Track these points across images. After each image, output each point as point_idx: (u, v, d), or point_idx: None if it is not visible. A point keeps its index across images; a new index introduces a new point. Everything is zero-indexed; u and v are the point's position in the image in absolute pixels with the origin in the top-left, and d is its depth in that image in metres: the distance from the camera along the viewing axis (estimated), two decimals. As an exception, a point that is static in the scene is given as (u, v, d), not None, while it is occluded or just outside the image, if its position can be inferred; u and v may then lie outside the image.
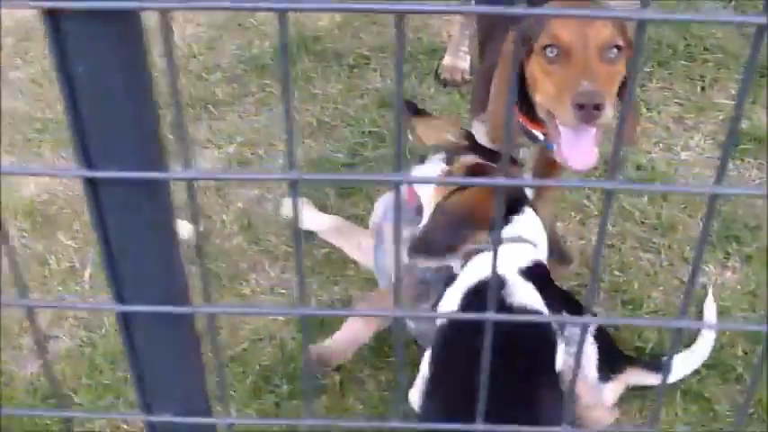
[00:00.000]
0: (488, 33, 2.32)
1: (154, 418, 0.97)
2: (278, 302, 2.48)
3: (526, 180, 2.27)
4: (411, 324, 2.26)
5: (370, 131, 2.92)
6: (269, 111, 3.04)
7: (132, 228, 0.83)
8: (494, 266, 0.72)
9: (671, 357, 0.80)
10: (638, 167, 2.82)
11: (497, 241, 0.71)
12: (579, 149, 1.87)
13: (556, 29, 1.87)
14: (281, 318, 2.44)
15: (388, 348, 2.37)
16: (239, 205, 2.74)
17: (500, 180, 0.70)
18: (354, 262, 2.53)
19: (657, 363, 2.26)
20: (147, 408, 0.97)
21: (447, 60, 3.09)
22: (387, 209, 2.39)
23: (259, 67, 3.19)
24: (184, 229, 2.68)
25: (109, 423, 2.15)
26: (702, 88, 3.06)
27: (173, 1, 0.62)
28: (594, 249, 0.74)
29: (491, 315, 0.71)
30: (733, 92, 3.05)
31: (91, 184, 0.78)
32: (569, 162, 1.89)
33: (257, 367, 2.31)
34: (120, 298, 0.88)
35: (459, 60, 3.07)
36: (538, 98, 1.95)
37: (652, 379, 2.22)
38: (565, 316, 2.04)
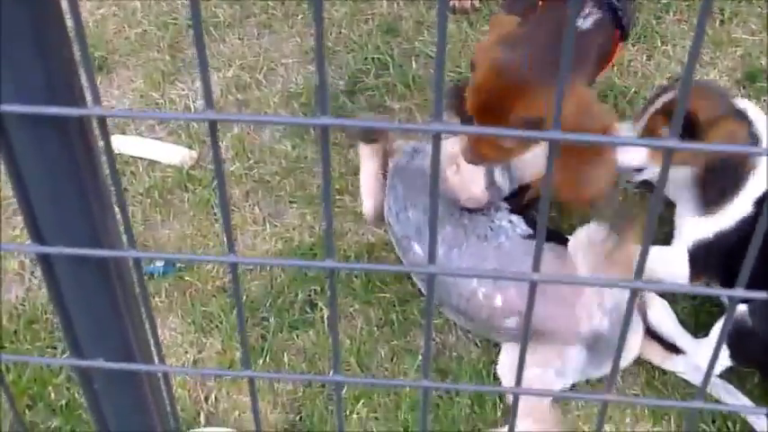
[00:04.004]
0: None
1: (84, 363, 0.92)
2: (270, 234, 2.42)
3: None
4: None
5: (373, 58, 2.83)
6: (271, 33, 2.95)
7: (45, 167, 0.76)
8: None
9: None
10: (649, 103, 2.71)
11: None
12: None
13: None
14: (272, 249, 2.39)
15: (380, 283, 2.31)
16: (235, 131, 2.67)
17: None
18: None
19: None
20: (78, 353, 0.92)
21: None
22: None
23: (263, -13, 3.09)
24: (177, 153, 2.63)
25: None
26: (721, 22, 2.93)
27: None
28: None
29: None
30: (753, 27, 2.92)
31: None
32: None
33: (245, 299, 2.27)
34: (39, 239, 0.82)
35: (470, -14, 2.96)
36: None
37: None
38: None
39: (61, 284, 0.86)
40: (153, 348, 0.94)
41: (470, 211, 2.14)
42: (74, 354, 0.92)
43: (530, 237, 2.10)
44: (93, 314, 0.89)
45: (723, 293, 0.76)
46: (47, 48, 0.67)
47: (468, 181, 2.12)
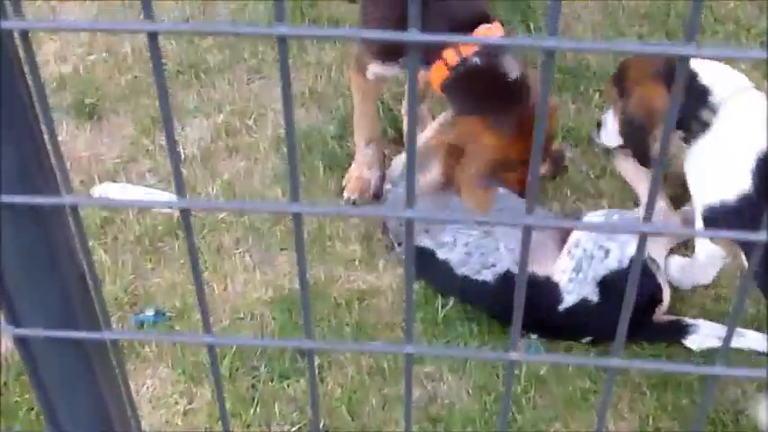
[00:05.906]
0: None
1: (63, 439, 0.91)
2: (260, 281, 2.41)
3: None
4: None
5: (363, 103, 2.83)
6: (261, 78, 2.96)
7: (19, 250, 0.75)
8: None
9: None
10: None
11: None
12: None
13: None
14: (263, 297, 2.38)
15: (371, 330, 2.30)
16: (225, 177, 2.67)
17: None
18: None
19: None
20: (58, 429, 0.92)
21: None
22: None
23: (253, 32, 3.10)
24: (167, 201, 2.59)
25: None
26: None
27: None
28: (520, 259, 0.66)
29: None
30: (743, 66, 2.93)
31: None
32: None
33: (235, 348, 2.25)
34: (15, 321, 0.82)
35: None
36: None
37: None
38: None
39: (38, 364, 0.85)
40: (130, 418, 0.94)
41: None
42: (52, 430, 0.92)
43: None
44: (71, 391, 0.89)
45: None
46: (16, 139, 0.67)
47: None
